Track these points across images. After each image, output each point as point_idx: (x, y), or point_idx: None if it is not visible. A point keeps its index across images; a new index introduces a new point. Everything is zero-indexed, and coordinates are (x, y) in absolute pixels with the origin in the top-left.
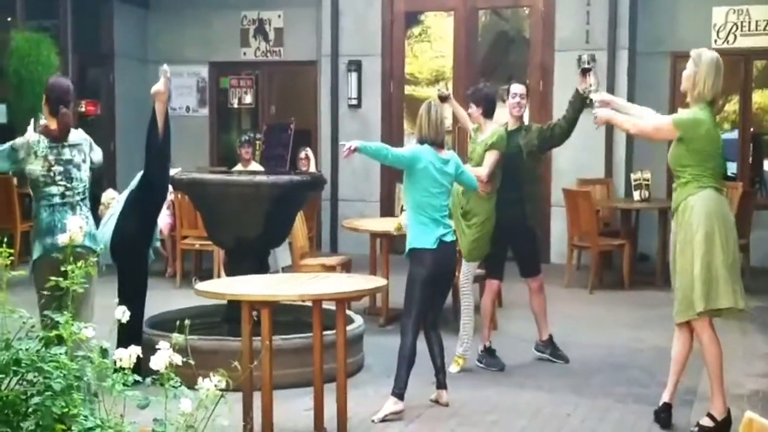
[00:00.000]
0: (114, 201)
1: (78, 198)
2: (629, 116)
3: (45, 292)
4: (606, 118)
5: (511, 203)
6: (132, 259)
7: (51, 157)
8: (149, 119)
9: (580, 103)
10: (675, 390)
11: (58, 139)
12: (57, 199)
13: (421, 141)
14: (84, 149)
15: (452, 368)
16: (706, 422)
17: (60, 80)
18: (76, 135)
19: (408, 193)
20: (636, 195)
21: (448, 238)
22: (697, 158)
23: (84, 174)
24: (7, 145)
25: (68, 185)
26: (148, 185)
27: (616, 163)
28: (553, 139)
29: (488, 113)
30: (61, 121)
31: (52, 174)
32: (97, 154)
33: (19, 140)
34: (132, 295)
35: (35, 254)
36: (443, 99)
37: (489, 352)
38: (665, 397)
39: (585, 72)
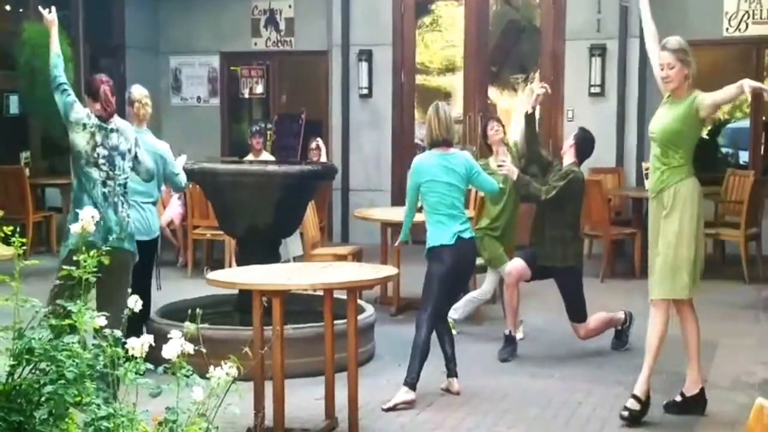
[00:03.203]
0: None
1: (120, 191)
2: None
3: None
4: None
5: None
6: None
7: (98, 137)
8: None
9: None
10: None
11: (104, 118)
12: (99, 189)
13: (432, 143)
14: (129, 138)
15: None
16: (677, 398)
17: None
18: (124, 124)
19: (422, 199)
20: (647, 184)
21: (466, 235)
22: (690, 143)
23: (127, 165)
24: (72, 97)
25: (110, 172)
26: None
27: (627, 151)
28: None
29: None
30: (104, 100)
31: (96, 155)
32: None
33: (79, 104)
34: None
35: (71, 244)
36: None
37: (508, 340)
38: (642, 389)
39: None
